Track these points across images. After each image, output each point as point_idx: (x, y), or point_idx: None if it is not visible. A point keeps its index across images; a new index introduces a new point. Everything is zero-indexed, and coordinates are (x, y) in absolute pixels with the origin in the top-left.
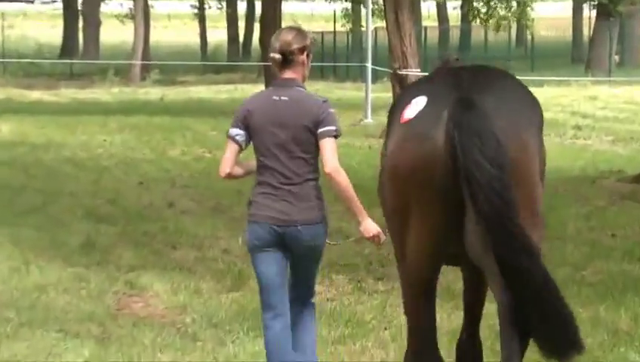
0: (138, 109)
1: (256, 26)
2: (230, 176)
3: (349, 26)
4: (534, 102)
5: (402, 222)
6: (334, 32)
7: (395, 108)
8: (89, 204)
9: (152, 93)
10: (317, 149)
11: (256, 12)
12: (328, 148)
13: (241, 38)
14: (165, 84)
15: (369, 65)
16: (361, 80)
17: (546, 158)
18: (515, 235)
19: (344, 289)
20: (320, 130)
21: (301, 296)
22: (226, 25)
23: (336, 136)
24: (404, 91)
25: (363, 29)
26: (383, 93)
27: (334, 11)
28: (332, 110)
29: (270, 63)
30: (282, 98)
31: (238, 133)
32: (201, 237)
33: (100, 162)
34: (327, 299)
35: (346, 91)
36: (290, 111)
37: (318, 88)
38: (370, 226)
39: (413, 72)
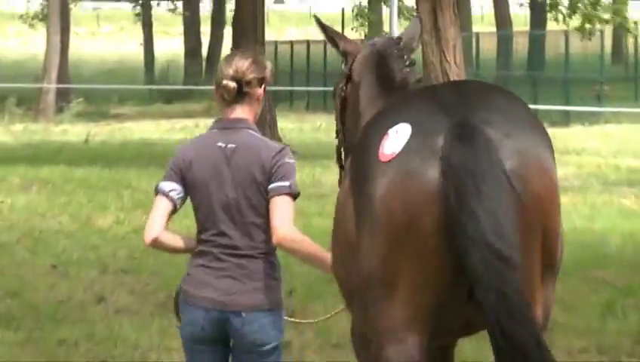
0: (52, 156)
1: (227, 32)
2: (158, 244)
3: (363, 31)
4: (546, 132)
5: (385, 294)
6: None
7: (365, 142)
8: None
9: (73, 131)
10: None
11: (226, 13)
12: (279, 209)
13: (204, 50)
14: (92, 118)
15: None
16: None
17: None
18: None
19: None
20: (270, 186)
21: None
22: (182, 31)
23: (292, 195)
24: (373, 120)
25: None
26: None
27: (342, 11)
28: (291, 160)
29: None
30: (229, 145)
31: (172, 187)
32: (144, 347)
33: None
34: None
35: None
36: (239, 161)
37: (320, 124)
38: None
39: None
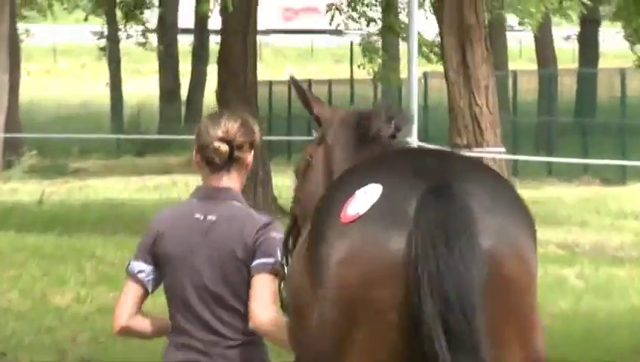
0: None
1: (211, 70)
2: (128, 331)
3: (372, 69)
4: (531, 218)
5: None
6: (352, 79)
7: (327, 201)
8: None
9: (25, 190)
10: None
11: (210, 46)
12: (259, 289)
13: (183, 92)
14: (47, 174)
15: (414, 140)
16: None
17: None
18: None
19: None
20: (253, 263)
21: None
22: (156, 69)
23: (275, 274)
24: (337, 181)
25: (403, 76)
26: None
27: (351, 45)
28: (278, 235)
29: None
30: (209, 217)
31: (140, 268)
32: None
33: None
34: None
35: None
36: (218, 236)
37: None
38: None
39: (493, 153)
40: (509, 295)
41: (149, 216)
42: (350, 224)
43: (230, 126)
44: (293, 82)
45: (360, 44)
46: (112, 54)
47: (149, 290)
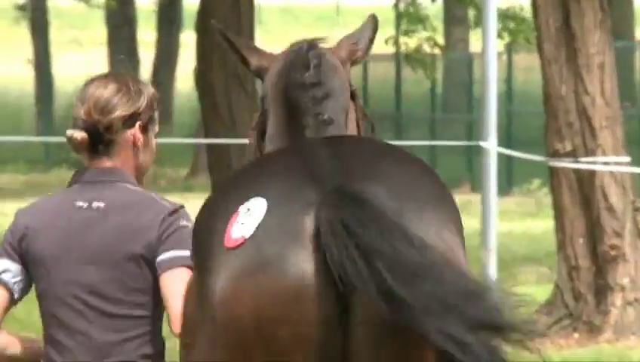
0: None
1: (187, 40)
2: None
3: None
4: (454, 212)
5: None
6: (397, 55)
7: (210, 220)
8: None
9: None
10: (157, 300)
11: (183, 4)
12: (178, 287)
13: (145, 72)
14: None
15: (491, 145)
16: (469, 183)
17: None
18: None
19: None
20: (161, 258)
21: None
22: (105, 37)
23: (192, 268)
24: (215, 195)
25: (476, 49)
26: (527, 220)
27: (396, 4)
28: (188, 223)
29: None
30: (95, 204)
31: (5, 267)
32: None
33: None
34: None
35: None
36: (107, 228)
37: None
38: None
39: (611, 166)
40: None
41: None
42: (236, 249)
43: (98, 96)
44: (219, 31)
45: (396, 6)
46: (37, 17)
47: (15, 296)
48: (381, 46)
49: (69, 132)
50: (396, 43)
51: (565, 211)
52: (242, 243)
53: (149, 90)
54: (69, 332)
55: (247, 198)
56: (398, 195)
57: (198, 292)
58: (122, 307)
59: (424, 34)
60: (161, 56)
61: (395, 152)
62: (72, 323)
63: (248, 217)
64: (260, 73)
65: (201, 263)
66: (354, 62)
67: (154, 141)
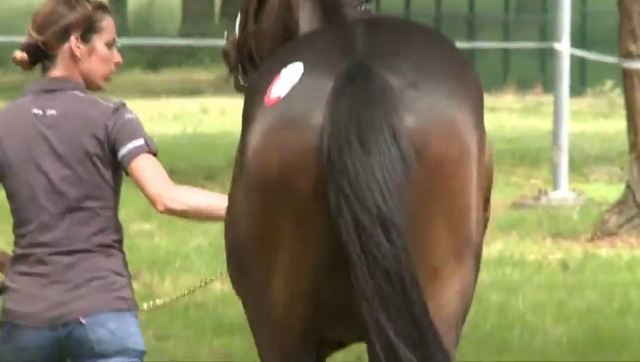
0: None
1: None
2: None
3: None
4: (475, 86)
5: (267, 257)
6: None
7: (258, 84)
8: None
9: None
10: (114, 193)
11: None
12: (148, 172)
13: None
14: None
15: (564, 46)
16: (541, 84)
17: (493, 172)
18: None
19: None
20: (122, 152)
21: None
22: None
23: (152, 153)
24: (271, 58)
25: None
26: (599, 120)
27: None
28: (132, 116)
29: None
30: (49, 112)
31: None
32: None
33: None
34: None
35: (502, 115)
36: (63, 131)
37: None
38: None
39: None
40: (434, 173)
41: (168, 158)
42: (271, 107)
43: (33, 21)
44: None
45: None
46: None
47: None
48: None
49: (14, 53)
50: None
51: (638, 112)
52: (277, 102)
53: (88, 3)
54: (38, 227)
55: (289, 62)
56: (418, 71)
57: (239, 149)
58: (82, 201)
59: None
60: None
61: (426, 33)
62: (35, 219)
63: (287, 78)
64: None
65: (245, 120)
66: None
67: (103, 48)
